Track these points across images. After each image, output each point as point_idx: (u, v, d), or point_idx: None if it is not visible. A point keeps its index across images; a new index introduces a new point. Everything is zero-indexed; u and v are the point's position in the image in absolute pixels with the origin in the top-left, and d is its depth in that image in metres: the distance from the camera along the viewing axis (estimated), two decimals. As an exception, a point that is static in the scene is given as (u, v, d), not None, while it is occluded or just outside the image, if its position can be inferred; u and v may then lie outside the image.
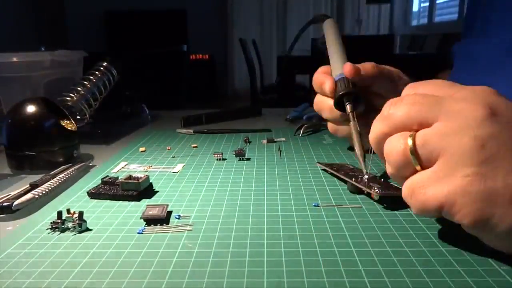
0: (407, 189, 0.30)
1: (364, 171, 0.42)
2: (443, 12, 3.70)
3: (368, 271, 0.28)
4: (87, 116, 0.63)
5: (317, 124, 0.74)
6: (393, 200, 0.39)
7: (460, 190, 0.27)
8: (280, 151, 0.60)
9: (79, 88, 0.61)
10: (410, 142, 0.29)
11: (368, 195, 0.41)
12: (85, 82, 0.64)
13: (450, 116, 0.28)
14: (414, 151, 0.29)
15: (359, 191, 0.42)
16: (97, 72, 0.67)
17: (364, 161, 0.42)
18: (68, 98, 0.61)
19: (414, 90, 0.33)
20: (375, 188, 0.39)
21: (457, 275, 0.28)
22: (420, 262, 0.30)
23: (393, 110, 0.31)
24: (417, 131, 0.30)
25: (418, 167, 0.30)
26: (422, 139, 0.29)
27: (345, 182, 0.44)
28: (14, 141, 0.54)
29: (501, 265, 0.29)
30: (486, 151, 0.26)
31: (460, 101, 0.29)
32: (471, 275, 0.28)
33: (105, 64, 0.69)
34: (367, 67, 0.49)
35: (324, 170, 0.50)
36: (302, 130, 0.71)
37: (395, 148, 0.30)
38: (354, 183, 0.42)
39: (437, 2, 3.78)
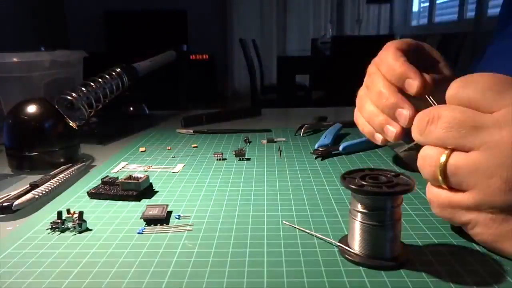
0: (434, 199, 0.31)
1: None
2: (443, 12, 3.70)
3: (367, 271, 0.28)
4: (85, 116, 0.63)
5: (318, 124, 0.74)
6: None
7: (482, 222, 0.29)
8: (280, 151, 0.60)
9: (83, 88, 0.61)
10: (442, 160, 0.29)
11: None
12: (91, 83, 0.63)
13: (486, 148, 0.27)
14: (443, 173, 0.29)
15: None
16: (107, 76, 0.67)
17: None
18: (68, 97, 0.61)
19: (457, 93, 0.30)
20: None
21: (458, 275, 0.28)
22: (421, 262, 0.30)
23: (430, 129, 0.30)
24: (453, 149, 0.29)
25: (444, 186, 0.30)
26: (454, 168, 0.29)
27: None
28: (15, 142, 0.54)
29: (501, 265, 0.29)
30: None
31: (500, 128, 0.27)
32: (472, 275, 0.28)
33: (118, 70, 0.70)
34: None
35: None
36: (302, 130, 0.71)
37: (429, 164, 0.30)
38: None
39: (437, 2, 3.78)
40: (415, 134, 0.32)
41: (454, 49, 2.48)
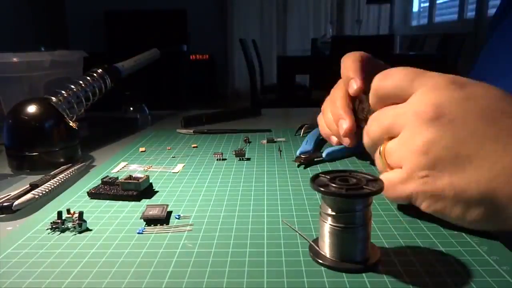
0: (385, 186, 0.34)
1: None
2: (443, 12, 3.70)
3: (368, 271, 0.28)
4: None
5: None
6: None
7: (418, 190, 0.33)
8: (280, 151, 0.60)
9: (63, 91, 0.59)
10: (381, 150, 0.36)
11: None
12: (72, 86, 0.61)
13: (405, 128, 0.34)
14: (383, 158, 0.36)
15: None
16: (88, 78, 0.65)
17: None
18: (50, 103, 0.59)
19: (378, 86, 0.37)
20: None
21: (457, 275, 0.28)
22: (421, 262, 0.30)
23: (369, 129, 0.38)
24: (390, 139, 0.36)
25: (388, 169, 0.36)
26: (388, 152, 0.36)
27: None
28: (15, 142, 0.54)
29: (501, 265, 0.29)
30: (430, 156, 0.32)
31: (412, 106, 0.33)
32: (471, 275, 0.28)
33: (99, 71, 0.67)
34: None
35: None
36: (302, 130, 0.71)
37: (377, 157, 0.38)
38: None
39: (437, 2, 3.78)
40: (365, 139, 0.39)
41: (454, 49, 2.48)
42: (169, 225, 0.36)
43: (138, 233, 0.35)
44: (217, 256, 0.31)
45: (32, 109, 0.53)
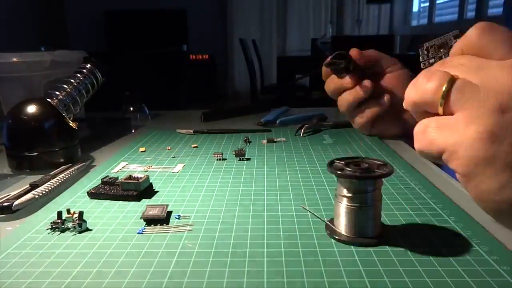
0: (421, 125, 0.31)
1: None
2: (443, 12, 3.70)
3: (368, 271, 0.28)
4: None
5: (318, 124, 0.74)
6: None
7: (466, 143, 0.28)
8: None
9: (57, 92, 0.57)
10: (446, 86, 0.29)
11: None
12: (65, 86, 0.59)
13: (487, 80, 0.28)
14: (446, 94, 0.29)
15: None
16: (79, 75, 0.63)
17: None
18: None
19: (476, 38, 0.31)
20: None
21: (457, 275, 0.28)
22: (420, 262, 0.30)
23: (443, 67, 0.31)
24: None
25: (440, 111, 0.30)
26: (459, 86, 0.29)
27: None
28: (15, 142, 0.54)
29: (501, 265, 0.29)
30: (504, 118, 0.27)
31: (502, 68, 0.28)
32: (471, 275, 0.28)
33: (88, 66, 0.65)
34: (369, 52, 0.65)
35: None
36: (302, 130, 0.71)
37: (431, 82, 0.30)
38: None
39: (437, 2, 3.78)
40: (414, 94, 0.32)
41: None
42: (169, 225, 0.36)
43: (138, 233, 0.35)
44: (217, 256, 0.31)
45: (32, 109, 0.53)
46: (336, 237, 0.33)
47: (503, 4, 2.80)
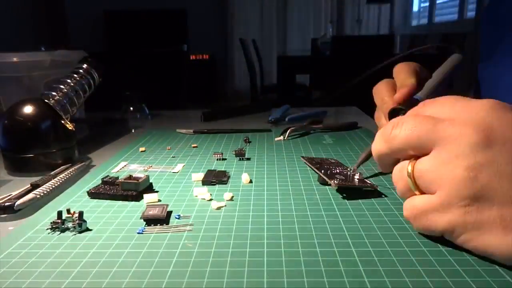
0: (409, 212, 0.32)
1: (351, 167, 0.47)
2: (443, 12, 3.70)
3: (368, 271, 0.28)
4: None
5: (306, 127, 0.71)
6: (353, 192, 0.42)
7: (458, 220, 0.28)
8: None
9: (53, 93, 0.56)
10: (409, 169, 0.31)
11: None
12: (61, 86, 0.58)
13: (445, 143, 0.29)
14: (413, 179, 0.31)
15: (325, 182, 0.45)
16: (75, 75, 0.62)
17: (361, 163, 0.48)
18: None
19: (423, 110, 0.33)
20: (336, 179, 0.43)
21: (457, 275, 0.28)
22: (420, 262, 0.30)
23: (394, 133, 0.32)
24: (417, 157, 0.31)
25: (417, 193, 0.32)
26: (419, 172, 0.31)
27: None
28: (11, 143, 0.52)
29: (501, 265, 0.29)
30: (478, 182, 0.27)
31: (457, 125, 0.29)
32: (471, 275, 0.28)
33: (85, 66, 0.64)
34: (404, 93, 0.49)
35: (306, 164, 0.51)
36: (287, 133, 0.67)
37: (400, 177, 0.33)
38: (321, 174, 0.45)
39: (437, 2, 3.78)
40: (382, 144, 0.34)
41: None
42: (169, 225, 0.36)
43: (138, 233, 0.35)
44: (217, 256, 0.31)
45: (29, 110, 0.52)
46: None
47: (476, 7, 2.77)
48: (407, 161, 0.32)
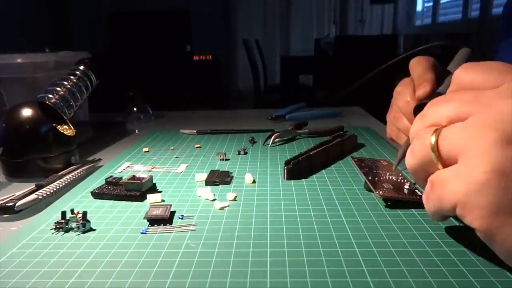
0: (428, 184, 0.29)
1: (394, 168, 0.44)
2: (447, 12, 3.68)
3: (371, 271, 0.28)
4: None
5: (291, 132, 0.68)
6: (399, 202, 0.39)
7: (475, 188, 0.24)
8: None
9: (50, 95, 0.55)
10: (433, 139, 0.28)
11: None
12: (58, 89, 0.57)
13: (483, 110, 0.26)
14: (436, 147, 0.27)
15: (371, 190, 0.41)
16: (72, 77, 0.61)
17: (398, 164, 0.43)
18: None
19: (464, 75, 0.30)
20: (382, 189, 0.40)
21: (461, 276, 0.28)
22: (424, 262, 0.29)
23: (431, 109, 0.30)
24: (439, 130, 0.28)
25: (439, 166, 0.28)
26: (444, 132, 0.27)
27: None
28: (9, 147, 0.51)
29: (505, 265, 0.29)
30: (510, 150, 0.24)
31: (500, 97, 0.26)
32: (475, 275, 0.28)
33: (81, 67, 0.62)
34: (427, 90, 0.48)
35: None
36: (271, 139, 0.63)
37: (420, 143, 0.29)
38: (367, 181, 0.42)
39: (441, 1, 3.77)
40: (417, 119, 0.31)
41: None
42: (173, 225, 0.36)
43: (142, 233, 0.35)
44: (220, 256, 0.31)
45: (27, 113, 0.51)
46: None
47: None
48: (430, 128, 0.29)
